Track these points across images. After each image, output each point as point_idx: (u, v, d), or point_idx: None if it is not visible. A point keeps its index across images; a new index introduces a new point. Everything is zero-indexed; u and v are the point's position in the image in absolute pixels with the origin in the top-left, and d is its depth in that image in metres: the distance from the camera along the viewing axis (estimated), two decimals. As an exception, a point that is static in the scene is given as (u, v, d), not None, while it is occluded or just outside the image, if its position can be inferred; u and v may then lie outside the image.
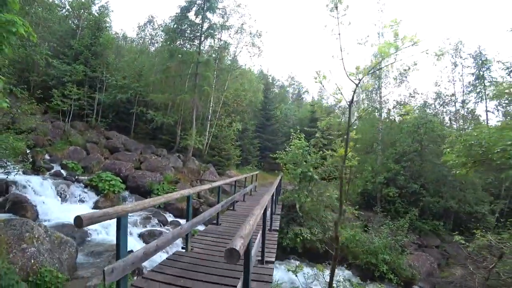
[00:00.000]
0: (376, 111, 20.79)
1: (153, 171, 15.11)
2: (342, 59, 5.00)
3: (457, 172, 6.46)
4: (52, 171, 12.67)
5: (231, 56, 22.94)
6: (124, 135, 19.41)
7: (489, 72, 22.37)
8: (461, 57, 22.82)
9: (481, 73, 22.61)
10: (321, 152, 12.61)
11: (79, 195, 11.16)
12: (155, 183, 14.01)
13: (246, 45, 21.22)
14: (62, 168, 13.22)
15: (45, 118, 17.20)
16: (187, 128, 18.24)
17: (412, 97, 20.20)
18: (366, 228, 15.36)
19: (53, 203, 9.64)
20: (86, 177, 12.77)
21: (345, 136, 5.44)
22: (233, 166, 20.97)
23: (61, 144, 15.52)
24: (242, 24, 20.54)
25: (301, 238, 10.26)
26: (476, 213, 17.55)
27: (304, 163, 11.43)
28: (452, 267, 15.73)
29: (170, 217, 12.45)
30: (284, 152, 12.90)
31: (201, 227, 9.97)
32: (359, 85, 5.10)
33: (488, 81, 22.26)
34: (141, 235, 9.11)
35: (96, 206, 10.81)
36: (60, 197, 10.32)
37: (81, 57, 19.27)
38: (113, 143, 17.69)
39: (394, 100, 20.94)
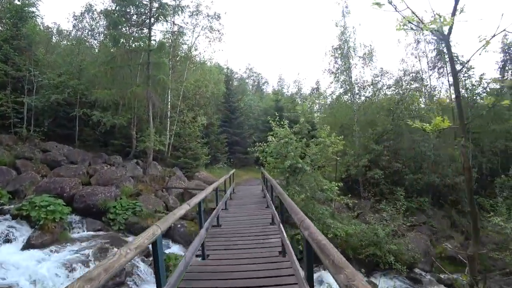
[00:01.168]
0: (349, 92, 19.83)
1: (107, 185, 12.38)
2: None
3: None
4: (-38, 203, 9.48)
5: (189, 43, 20.31)
6: (66, 145, 16.08)
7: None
8: (423, 34, 22.73)
9: (441, 48, 22.74)
10: (305, 139, 11.04)
11: (4, 233, 8.27)
12: (110, 199, 11.36)
13: (204, 29, 18.89)
14: (-23, 198, 10.02)
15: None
16: (144, 129, 15.46)
17: (382, 75, 19.55)
18: (356, 217, 14.32)
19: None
20: (14, 206, 9.76)
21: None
22: (202, 166, 18.66)
23: (-21, 165, 12.07)
24: (198, 5, 18.14)
25: (303, 244, 8.58)
26: (456, 185, 17.49)
27: (291, 154, 9.73)
28: (442, 241, 15.50)
29: (134, 241, 10.03)
30: (264, 144, 11.10)
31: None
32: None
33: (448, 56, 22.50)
34: (94, 279, 6.69)
35: (29, 244, 8.03)
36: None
37: (-1, 53, 15.47)
38: (53, 156, 14.40)
39: (365, 81, 20.06)
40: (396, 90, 17.22)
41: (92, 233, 10.31)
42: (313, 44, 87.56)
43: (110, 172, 13.25)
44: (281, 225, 4.56)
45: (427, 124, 3.12)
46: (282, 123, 10.51)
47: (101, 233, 10.30)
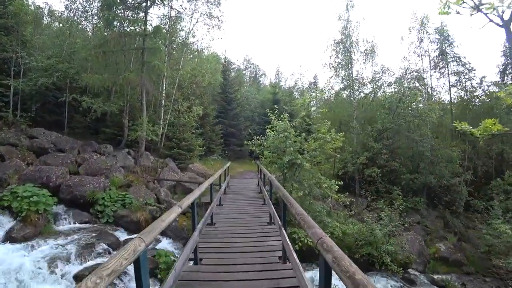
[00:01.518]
0: (349, 88, 19.44)
1: (96, 175, 11.86)
2: None
3: None
4: None
5: (186, 29, 19.40)
6: (55, 132, 15.40)
7: (452, 48, 22.22)
8: (427, 32, 22.32)
9: (444, 48, 22.37)
10: (304, 134, 10.62)
11: (-18, 224, 7.76)
12: (99, 190, 10.87)
13: (203, 16, 18.12)
14: (-45, 187, 9.42)
15: None
16: (137, 117, 14.82)
17: (383, 72, 19.14)
18: (349, 214, 14.06)
19: None
20: (-6, 195, 9.20)
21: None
22: (196, 158, 18.16)
23: (-41, 151, 11.42)
24: (197, -12, 17.35)
25: (300, 244, 8.26)
26: (452, 186, 17.37)
27: (291, 149, 9.33)
28: (436, 242, 15.45)
29: (123, 235, 9.57)
30: (261, 138, 10.65)
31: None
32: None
33: (451, 57, 22.11)
34: (78, 278, 6.25)
35: (9, 237, 7.53)
36: None
37: (-16, 33, 14.60)
38: (40, 143, 13.75)
39: (367, 77, 19.66)
40: (398, 88, 16.86)
41: (78, 225, 9.86)
42: (312, 39, 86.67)
43: (99, 162, 12.70)
44: (282, 229, 4.16)
45: (472, 128, 2.70)
46: (282, 116, 10.07)
47: (88, 225, 9.85)
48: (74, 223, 9.92)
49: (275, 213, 5.44)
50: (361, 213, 14.95)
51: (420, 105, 19.49)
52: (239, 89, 32.48)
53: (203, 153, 18.72)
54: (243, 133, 27.98)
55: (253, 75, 60.06)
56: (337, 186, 9.51)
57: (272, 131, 10.41)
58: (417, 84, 18.83)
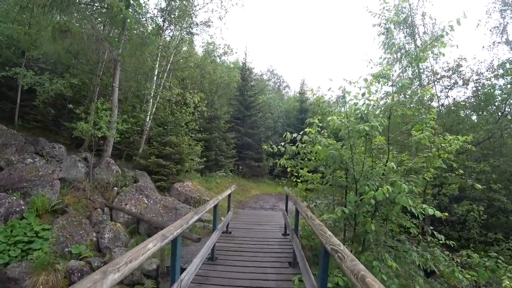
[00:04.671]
0: (415, 83, 13.95)
1: (10, 189, 6.98)
2: None
3: None
4: None
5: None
6: (1, 124, 10.91)
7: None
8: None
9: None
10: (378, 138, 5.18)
11: None
12: (-13, 222, 5.93)
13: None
14: None
15: None
16: (112, 108, 9.63)
17: (459, 66, 13.39)
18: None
19: None
20: None
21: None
22: (191, 173, 12.81)
23: None
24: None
25: None
26: None
27: (381, 169, 4.03)
28: None
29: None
30: (302, 143, 5.14)
31: None
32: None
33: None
34: None
35: None
36: None
37: None
38: (-39, 136, 9.28)
39: (440, 68, 13.99)
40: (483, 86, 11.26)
41: None
42: (341, 50, 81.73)
43: (27, 168, 7.84)
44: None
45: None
46: (354, 96, 4.55)
47: None
48: None
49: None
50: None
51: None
52: (261, 91, 27.37)
53: (204, 166, 13.42)
54: (262, 145, 22.76)
55: (276, 85, 56.08)
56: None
57: (320, 131, 4.97)
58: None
